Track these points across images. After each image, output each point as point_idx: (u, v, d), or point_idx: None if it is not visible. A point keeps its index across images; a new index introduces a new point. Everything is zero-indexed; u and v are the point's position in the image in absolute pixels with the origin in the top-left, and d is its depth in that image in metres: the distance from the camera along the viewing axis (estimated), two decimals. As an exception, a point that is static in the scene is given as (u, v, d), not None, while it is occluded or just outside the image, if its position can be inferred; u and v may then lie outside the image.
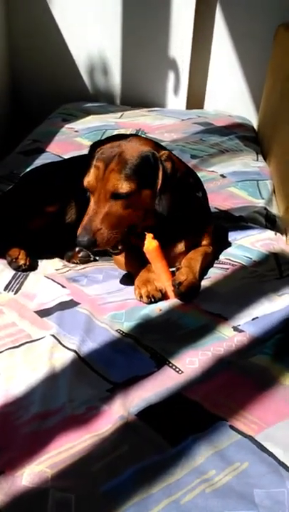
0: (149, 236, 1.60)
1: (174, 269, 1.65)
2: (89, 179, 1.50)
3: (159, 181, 1.51)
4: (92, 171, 1.49)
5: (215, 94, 3.63)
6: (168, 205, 1.52)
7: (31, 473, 1.02)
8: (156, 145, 1.61)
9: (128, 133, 1.65)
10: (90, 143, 2.75)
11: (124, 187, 1.46)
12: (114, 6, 3.40)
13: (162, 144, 1.90)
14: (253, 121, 3.49)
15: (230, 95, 3.59)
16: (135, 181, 1.47)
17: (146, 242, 1.60)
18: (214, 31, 3.46)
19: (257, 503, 0.98)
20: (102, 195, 1.47)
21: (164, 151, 1.56)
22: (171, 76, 3.56)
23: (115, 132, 2.93)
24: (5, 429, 1.12)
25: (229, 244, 1.88)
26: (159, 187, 1.51)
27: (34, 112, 3.66)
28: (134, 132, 2.90)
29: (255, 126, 3.40)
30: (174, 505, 0.97)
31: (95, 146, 1.59)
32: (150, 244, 1.59)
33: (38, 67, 3.68)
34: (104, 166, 1.48)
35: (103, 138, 1.66)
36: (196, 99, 3.62)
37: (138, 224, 1.55)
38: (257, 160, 2.76)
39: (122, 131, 2.93)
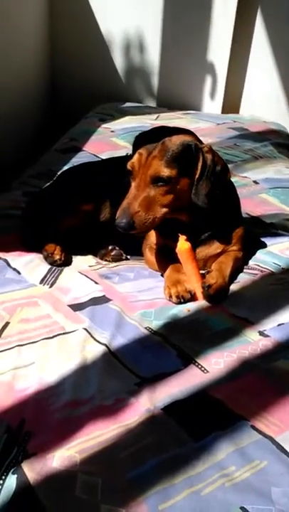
0: (182, 238, 1.65)
1: (203, 271, 1.70)
2: (132, 162, 1.57)
3: (198, 170, 1.56)
4: (136, 156, 1.57)
5: (251, 100, 3.65)
6: (205, 195, 1.57)
7: (61, 457, 1.08)
8: (199, 139, 1.67)
9: (171, 126, 1.71)
10: (126, 143, 2.85)
11: (165, 171, 1.52)
12: (155, 10, 3.46)
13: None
14: (288, 127, 3.50)
15: (266, 101, 3.61)
16: (176, 168, 1.53)
17: (178, 244, 1.65)
18: (253, 38, 3.48)
19: (274, 500, 1.02)
20: (142, 180, 1.55)
21: (206, 144, 1.62)
22: (209, 80, 3.60)
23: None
24: (38, 415, 1.18)
25: (259, 250, 1.92)
26: (197, 176, 1.56)
27: (72, 110, 3.74)
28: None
29: (290, 133, 3.42)
30: (194, 496, 1.02)
31: (140, 136, 1.67)
32: (182, 245, 1.65)
33: (78, 67, 3.77)
34: (148, 152, 1.55)
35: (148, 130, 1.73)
36: (231, 103, 3.66)
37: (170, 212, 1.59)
38: (290, 167, 2.78)
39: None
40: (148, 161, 1.54)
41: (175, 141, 1.56)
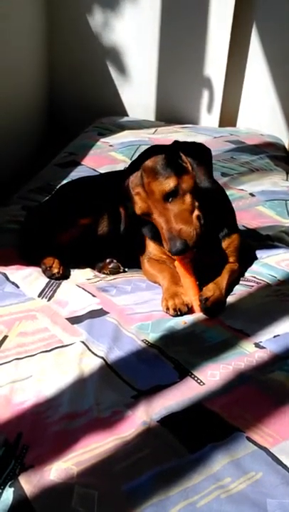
0: None
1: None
2: (139, 206, 1.61)
3: (188, 164, 1.61)
4: (137, 199, 1.61)
5: (248, 113, 3.69)
6: (206, 175, 1.61)
7: (58, 469, 1.08)
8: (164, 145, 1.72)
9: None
10: (124, 157, 2.89)
11: (169, 183, 1.56)
12: (152, 24, 3.51)
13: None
14: (285, 140, 3.53)
15: (263, 114, 3.65)
16: (172, 174, 1.57)
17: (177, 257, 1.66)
18: (249, 51, 3.53)
19: (269, 512, 1.03)
20: (157, 206, 1.58)
21: (174, 142, 1.68)
22: (205, 94, 3.64)
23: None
24: (35, 427, 1.19)
25: (255, 262, 1.94)
26: (190, 168, 1.61)
27: (70, 125, 3.78)
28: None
29: (287, 146, 3.45)
30: (190, 508, 1.02)
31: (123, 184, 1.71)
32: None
33: (76, 82, 3.81)
34: (141, 186, 1.59)
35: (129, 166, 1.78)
36: (228, 117, 3.69)
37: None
38: (287, 180, 2.81)
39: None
40: (148, 191, 1.58)
41: (155, 160, 1.60)
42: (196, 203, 1.60)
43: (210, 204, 1.68)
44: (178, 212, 1.57)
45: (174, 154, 1.62)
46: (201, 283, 1.68)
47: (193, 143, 1.73)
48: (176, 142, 1.69)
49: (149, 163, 1.60)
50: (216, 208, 1.77)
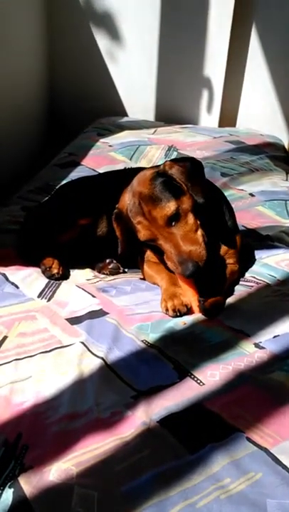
0: None
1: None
2: (143, 234, 1.60)
3: (182, 184, 1.59)
4: (139, 227, 1.60)
5: (247, 113, 3.69)
6: (200, 191, 1.59)
7: (58, 470, 1.09)
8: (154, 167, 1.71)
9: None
10: (124, 158, 2.89)
11: (169, 208, 1.54)
12: (152, 25, 3.51)
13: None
14: (285, 140, 3.53)
15: (263, 114, 3.65)
16: (171, 197, 1.56)
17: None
18: (249, 51, 3.53)
19: (269, 513, 1.03)
20: (162, 232, 1.57)
21: (164, 164, 1.64)
22: (205, 94, 3.64)
23: (148, 148, 3.02)
24: (35, 428, 1.19)
25: (255, 262, 1.94)
26: (185, 188, 1.59)
27: (70, 125, 3.78)
28: (166, 149, 2.99)
29: (287, 146, 3.45)
30: (190, 509, 1.02)
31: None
32: None
33: (76, 82, 3.81)
34: (142, 215, 1.58)
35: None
36: (228, 117, 3.69)
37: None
38: (286, 180, 2.81)
39: (155, 148, 3.03)
40: (151, 219, 1.57)
41: (146, 186, 1.58)
42: (198, 222, 1.59)
43: (209, 214, 1.66)
44: (183, 235, 1.55)
45: (167, 177, 1.60)
46: (201, 284, 1.68)
47: (183, 159, 1.70)
48: (166, 163, 1.65)
49: (145, 190, 1.58)
50: (215, 215, 1.75)
